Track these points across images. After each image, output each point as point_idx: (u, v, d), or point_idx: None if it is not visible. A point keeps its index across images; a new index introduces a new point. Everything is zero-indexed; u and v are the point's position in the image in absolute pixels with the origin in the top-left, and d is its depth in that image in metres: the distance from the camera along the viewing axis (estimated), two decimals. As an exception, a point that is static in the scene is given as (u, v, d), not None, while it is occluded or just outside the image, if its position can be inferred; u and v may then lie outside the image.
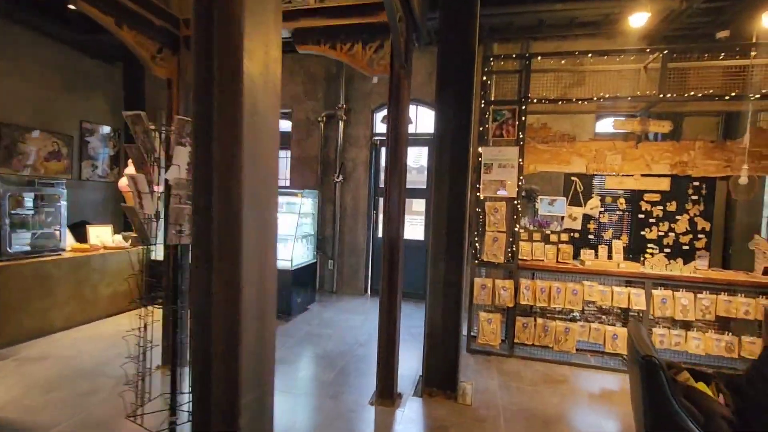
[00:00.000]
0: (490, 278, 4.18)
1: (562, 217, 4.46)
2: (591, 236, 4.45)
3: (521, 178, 4.09)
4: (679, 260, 3.91)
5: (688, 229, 4.20)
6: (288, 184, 7.01)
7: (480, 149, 4.17)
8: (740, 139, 4.07)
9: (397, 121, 3.03)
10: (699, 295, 3.70)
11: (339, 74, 6.55)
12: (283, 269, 4.86)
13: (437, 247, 3.25)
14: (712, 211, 4.16)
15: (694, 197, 4.18)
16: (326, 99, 6.67)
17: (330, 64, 6.58)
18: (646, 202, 4.29)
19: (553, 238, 4.29)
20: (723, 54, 3.80)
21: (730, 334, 3.68)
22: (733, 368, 3.63)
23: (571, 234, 4.29)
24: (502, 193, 4.12)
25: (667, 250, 4.23)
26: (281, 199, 5.29)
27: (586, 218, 4.46)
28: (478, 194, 4.18)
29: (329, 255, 6.66)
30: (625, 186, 4.31)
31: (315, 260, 5.62)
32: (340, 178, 6.53)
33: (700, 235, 4.18)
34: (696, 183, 4.18)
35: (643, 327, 2.13)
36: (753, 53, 3.68)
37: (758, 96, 3.61)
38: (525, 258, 4.25)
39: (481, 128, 4.17)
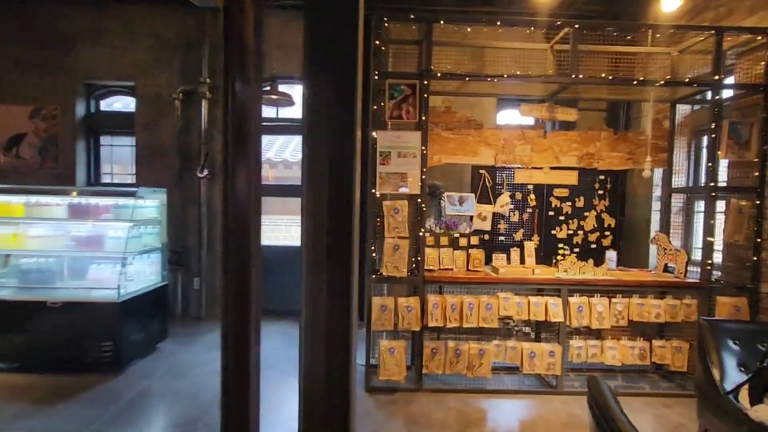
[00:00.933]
0: (392, 297, 3.34)
1: (471, 217, 3.83)
2: (502, 238, 3.91)
3: (424, 170, 3.32)
4: (590, 261, 3.55)
5: (596, 226, 3.91)
6: (134, 180, 5.33)
7: (374, 134, 3.28)
8: (641, 130, 3.89)
9: (242, 93, 1.96)
10: (613, 300, 3.36)
11: (201, 40, 5.11)
12: (102, 301, 3.38)
13: (316, 253, 2.27)
14: (617, 206, 3.93)
15: (600, 192, 3.90)
16: (184, 71, 5.16)
17: (188, 26, 5.10)
18: (556, 197, 3.89)
19: (462, 242, 3.63)
20: (628, 37, 3.52)
21: (642, 338, 3.41)
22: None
23: (482, 236, 3.68)
24: (403, 189, 3.30)
25: (576, 250, 3.89)
26: (103, 202, 3.74)
27: (497, 218, 3.91)
28: (374, 191, 3.29)
29: (194, 272, 5.20)
30: (535, 180, 3.86)
31: (165, 282, 4.18)
32: (206, 173, 5.10)
33: (606, 233, 3.92)
34: (602, 176, 3.90)
35: (607, 388, 1.43)
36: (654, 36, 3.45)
37: (658, 84, 3.37)
38: (431, 267, 3.50)
39: (375, 107, 3.29)
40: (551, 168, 3.84)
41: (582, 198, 3.88)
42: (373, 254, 3.34)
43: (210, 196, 5.19)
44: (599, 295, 3.37)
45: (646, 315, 3.32)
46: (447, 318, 3.25)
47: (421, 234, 3.34)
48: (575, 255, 3.72)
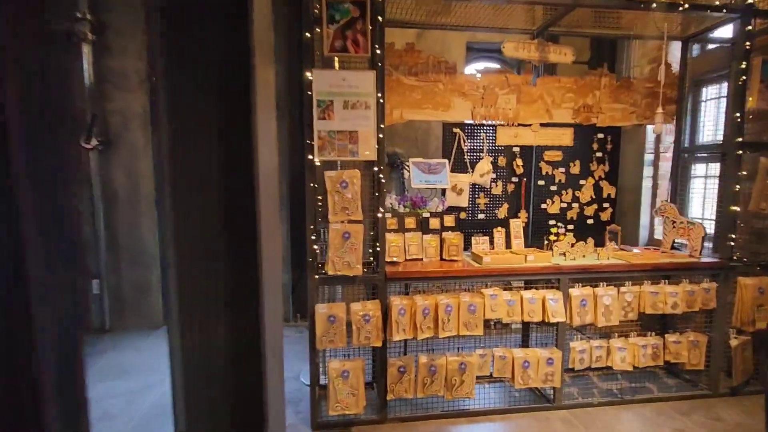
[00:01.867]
0: (342, 303, 2.45)
1: (444, 191, 2.98)
2: (482, 216, 3.09)
3: (382, 126, 2.38)
4: (590, 241, 2.83)
5: (593, 196, 3.18)
6: (-4, 155, 3.96)
7: (308, 74, 2.28)
8: (646, 76, 3.14)
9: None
10: (622, 289, 2.67)
11: (74, -41, 3.72)
12: None
13: (203, 240, 1.31)
14: (617, 172, 3.22)
15: (599, 154, 3.16)
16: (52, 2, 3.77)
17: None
18: (547, 162, 3.11)
19: (434, 223, 2.77)
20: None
21: (654, 334, 2.78)
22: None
23: (457, 214, 2.85)
24: (353, 155, 2.36)
25: (570, 227, 3.17)
26: None
27: (475, 190, 3.08)
28: (311, 158, 2.32)
29: (91, 272, 4.02)
30: (522, 140, 3.04)
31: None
32: (96, 142, 3.86)
33: (605, 204, 3.22)
34: (601, 135, 3.15)
35: None
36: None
37: (682, 8, 2.59)
38: (395, 259, 2.64)
39: (308, 34, 2.27)
40: (541, 125, 3.03)
41: (578, 162, 3.13)
42: (315, 247, 2.40)
43: (103, 172, 3.96)
44: (605, 283, 2.67)
45: (661, 306, 2.68)
46: (418, 327, 2.42)
47: (380, 215, 2.43)
48: (571, 234, 2.99)
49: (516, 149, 3.05)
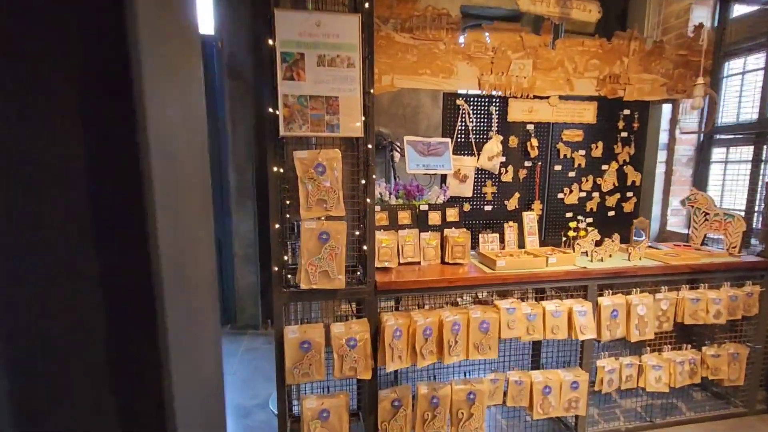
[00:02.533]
0: (320, 324, 1.88)
1: (444, 178, 2.43)
2: (489, 207, 2.57)
3: (371, 92, 1.79)
4: (615, 237, 2.36)
5: (616, 184, 2.71)
6: None
7: (269, 15, 1.65)
8: (675, 42, 2.65)
9: None
10: (657, 296, 2.23)
11: None
12: None
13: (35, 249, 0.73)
14: (643, 155, 2.75)
15: (624, 134, 2.68)
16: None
17: None
18: (565, 143, 2.60)
19: (433, 218, 2.23)
20: None
21: (690, 347, 2.37)
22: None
23: (460, 206, 2.31)
24: (331, 129, 1.77)
25: (590, 220, 2.69)
26: None
27: (481, 176, 2.54)
28: (274, 133, 1.72)
29: None
30: (538, 116, 2.52)
31: None
32: None
33: (629, 193, 2.76)
34: (627, 111, 2.67)
35: None
36: None
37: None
38: (386, 264, 2.09)
39: (267, -41, 1.63)
40: (560, 98, 2.51)
41: (600, 144, 2.63)
42: (285, 255, 1.82)
43: None
44: (638, 290, 2.22)
45: (702, 315, 2.25)
46: (418, 352, 1.89)
47: (369, 209, 1.87)
48: (593, 229, 2.51)
49: (530, 127, 2.53)
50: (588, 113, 2.57)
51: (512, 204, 2.57)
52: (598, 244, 2.36)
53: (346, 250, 1.82)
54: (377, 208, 2.15)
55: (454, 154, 2.42)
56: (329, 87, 1.73)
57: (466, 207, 2.51)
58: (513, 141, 2.52)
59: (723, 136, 3.15)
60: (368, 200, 1.85)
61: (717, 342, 2.41)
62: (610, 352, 2.27)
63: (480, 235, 2.35)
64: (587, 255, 2.40)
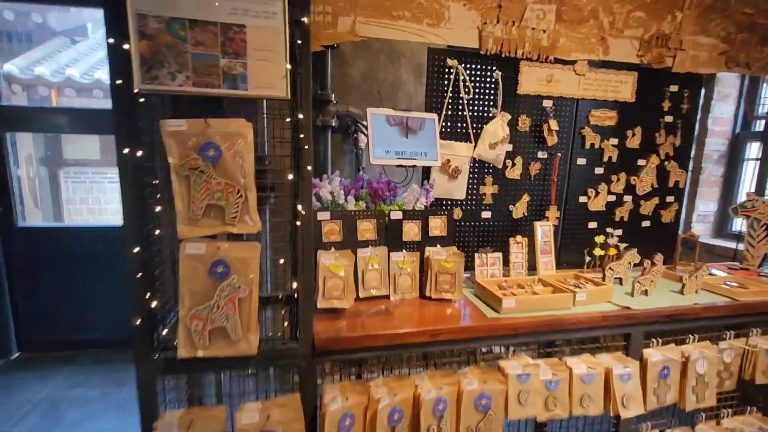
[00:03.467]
0: (220, 408, 1.15)
1: (428, 173, 1.71)
2: (488, 214, 1.86)
3: (304, 23, 1.04)
4: (658, 258, 1.70)
5: (655, 185, 2.04)
6: None
7: None
8: (755, -7, 1.98)
9: None
10: (721, 345, 1.58)
11: None
12: None
13: None
14: (691, 148, 2.09)
15: (669, 118, 2.00)
16: None
17: None
18: (593, 128, 1.91)
19: (410, 231, 1.52)
20: None
21: (757, 410, 1.74)
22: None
23: (448, 213, 1.59)
24: (232, 83, 1.01)
25: (619, 232, 2.03)
26: None
27: (479, 171, 1.83)
28: (122, 83, 0.95)
29: None
30: (559, 89, 1.81)
31: None
32: None
33: (669, 198, 2.10)
34: (674, 87, 1.99)
35: None
36: None
37: None
38: (335, 305, 1.36)
39: None
40: (590, 64, 1.81)
41: (638, 131, 1.95)
42: (155, 294, 1.07)
43: None
44: (695, 336, 1.57)
45: (780, 371, 1.62)
46: (378, 452, 1.19)
47: (297, 221, 1.13)
48: (626, 245, 1.84)
49: (548, 104, 1.82)
50: (625, 88, 1.88)
51: (520, 210, 1.87)
52: (635, 266, 1.70)
53: (260, 291, 1.09)
54: (325, 216, 1.42)
55: (442, 138, 1.70)
56: (228, 6, 0.98)
57: (458, 213, 1.80)
58: (524, 122, 1.81)
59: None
60: (300, 206, 1.11)
61: (787, 402, 1.79)
62: (653, 423, 1.62)
63: (476, 255, 1.65)
64: (620, 283, 1.74)
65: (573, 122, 1.87)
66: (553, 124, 1.79)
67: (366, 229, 1.49)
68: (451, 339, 1.31)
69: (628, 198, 2.01)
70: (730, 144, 3.04)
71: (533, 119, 1.81)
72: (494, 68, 1.72)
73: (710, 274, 1.87)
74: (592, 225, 1.99)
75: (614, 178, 1.96)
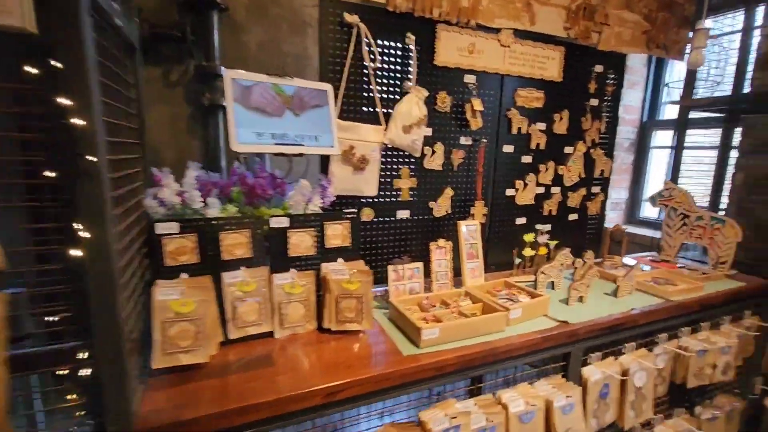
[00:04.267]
0: None
1: (327, 164, 1.31)
2: (404, 214, 1.52)
3: None
4: (589, 256, 1.52)
5: (582, 175, 1.88)
6: None
7: None
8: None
9: None
10: (655, 351, 1.44)
11: None
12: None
13: None
14: (615, 133, 1.96)
15: (594, 102, 1.84)
16: None
17: None
18: (520, 110, 1.66)
19: (299, 242, 1.11)
20: None
21: (685, 410, 1.66)
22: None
23: (354, 216, 1.22)
24: None
25: (548, 228, 1.83)
26: None
27: (391, 161, 1.48)
28: None
29: None
30: (482, 61, 1.52)
31: None
32: None
33: (594, 188, 1.96)
34: (599, 67, 1.82)
35: None
36: None
37: None
38: (183, 360, 0.91)
39: None
40: (516, 33, 1.55)
41: (565, 114, 1.76)
42: None
43: None
44: (633, 344, 1.40)
45: (708, 373, 1.53)
46: None
47: (74, 250, 0.66)
48: (556, 243, 1.65)
49: (471, 79, 1.52)
50: (552, 65, 1.66)
51: (442, 207, 1.57)
52: (576, 270, 1.49)
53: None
54: (170, 228, 0.96)
55: (342, 118, 1.31)
56: None
57: (368, 214, 1.43)
58: (443, 101, 1.49)
59: (697, 115, 2.52)
60: (78, 225, 0.65)
61: (708, 396, 1.75)
62: (591, 445, 1.44)
63: (390, 268, 1.30)
64: (552, 287, 1.52)
65: (499, 103, 1.60)
66: (477, 104, 1.50)
67: (236, 243, 1.06)
68: (356, 395, 0.94)
69: (556, 190, 1.82)
70: (639, 132, 3.10)
71: (454, 97, 1.51)
72: (404, 29, 1.37)
73: (626, 266, 1.75)
74: (521, 221, 1.76)
75: (542, 167, 1.75)
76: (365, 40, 1.32)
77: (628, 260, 1.92)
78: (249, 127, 1.02)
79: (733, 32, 2.34)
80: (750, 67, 2.07)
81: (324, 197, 1.23)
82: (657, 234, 2.05)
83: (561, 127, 1.75)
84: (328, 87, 1.18)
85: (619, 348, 1.39)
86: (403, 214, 1.51)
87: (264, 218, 1.10)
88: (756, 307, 1.74)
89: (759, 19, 2.08)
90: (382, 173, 1.45)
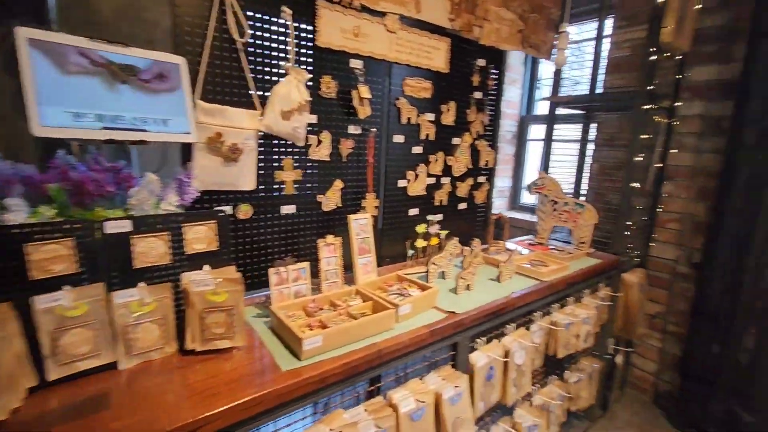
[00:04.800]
0: None
1: (188, 150, 1.10)
2: (290, 209, 1.38)
3: None
4: (476, 244, 1.59)
5: (470, 166, 1.95)
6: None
7: None
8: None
9: None
10: (531, 328, 1.56)
11: None
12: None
13: None
14: (498, 125, 2.06)
15: (478, 95, 1.91)
16: None
17: None
18: (410, 100, 1.63)
19: (149, 251, 0.91)
20: None
21: (557, 380, 1.84)
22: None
23: (231, 213, 1.06)
24: None
25: (439, 218, 1.87)
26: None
27: (273, 150, 1.32)
28: None
29: None
30: (368, 46, 1.44)
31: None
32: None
33: (480, 178, 2.05)
34: (482, 61, 1.89)
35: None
36: None
37: None
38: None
39: None
40: (402, 20, 1.50)
41: (452, 106, 1.78)
42: None
43: None
44: (514, 325, 1.49)
45: (574, 342, 1.72)
46: None
47: None
48: (447, 233, 1.68)
49: (357, 64, 1.43)
50: (439, 55, 1.65)
51: (332, 201, 1.47)
52: (466, 259, 1.53)
53: None
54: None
55: (208, 100, 1.12)
56: None
57: (246, 211, 1.26)
58: (328, 86, 1.38)
59: (563, 111, 2.80)
60: None
61: (574, 362, 1.98)
62: (479, 427, 1.51)
63: (270, 271, 1.16)
64: (443, 276, 1.55)
65: (387, 91, 1.54)
66: (364, 92, 1.42)
67: (53, 257, 0.82)
68: (226, 426, 0.80)
69: (446, 180, 1.85)
70: (519, 126, 3.39)
71: (340, 83, 1.40)
72: (281, 3, 1.22)
73: (509, 251, 1.88)
74: (414, 212, 1.76)
75: (432, 158, 1.76)
76: (231, 9, 1.14)
77: (510, 245, 2.06)
78: (61, 105, 0.78)
79: (589, 39, 2.65)
80: (602, 71, 2.36)
81: (184, 194, 1.03)
82: (535, 218, 2.25)
83: (448, 118, 1.77)
84: (180, 60, 0.98)
85: (501, 331, 1.46)
86: (288, 209, 1.37)
87: (94, 220, 0.87)
88: (607, 280, 2.01)
89: (609, 29, 2.38)
90: (262, 164, 1.29)
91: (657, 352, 2.34)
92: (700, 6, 1.93)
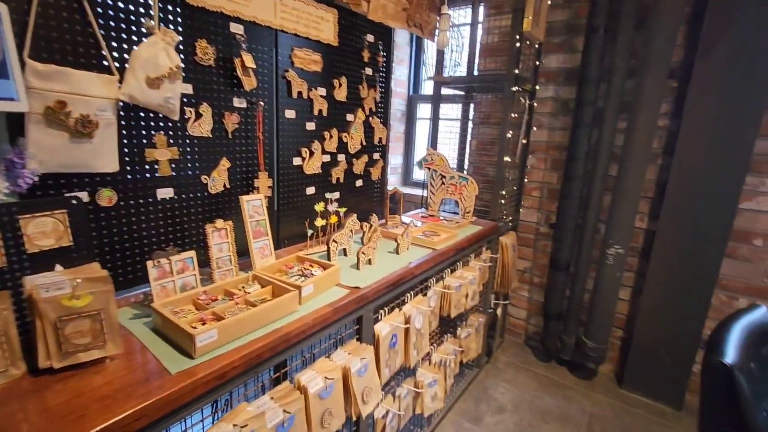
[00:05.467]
0: None
1: (18, 123, 0.87)
2: (169, 193, 1.21)
3: None
4: (374, 220, 1.63)
5: (364, 143, 1.96)
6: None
7: None
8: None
9: None
10: (428, 295, 1.68)
11: None
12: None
13: None
14: (389, 102, 2.10)
15: (369, 71, 1.90)
16: None
17: None
18: (300, 73, 1.55)
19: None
20: None
21: (450, 336, 2.03)
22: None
23: (78, 201, 0.88)
24: None
25: (336, 195, 1.85)
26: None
27: (140, 124, 1.13)
28: None
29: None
30: (251, 10, 1.31)
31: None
32: None
33: (375, 155, 2.08)
34: (371, 37, 1.88)
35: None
36: None
37: None
38: None
39: None
40: (286, -15, 1.39)
41: (344, 81, 1.75)
42: None
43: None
44: (411, 293, 1.59)
45: (464, 302, 1.91)
46: None
47: None
48: (345, 210, 1.68)
49: (238, 29, 1.30)
50: (327, 27, 1.59)
51: (219, 181, 1.33)
52: (365, 235, 1.54)
53: None
54: None
55: (42, 60, 0.89)
56: None
57: (109, 198, 1.06)
58: (205, 52, 1.22)
59: (447, 91, 2.97)
60: None
61: (464, 319, 2.21)
62: (385, 392, 1.59)
63: (148, 264, 1.01)
64: (345, 253, 1.56)
65: (274, 62, 1.44)
66: (248, 60, 1.30)
67: None
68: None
69: (342, 157, 1.83)
70: (407, 104, 3.53)
71: (220, 49, 1.25)
72: (136, -54, 1.02)
73: (405, 225, 1.99)
74: (311, 191, 1.71)
75: (327, 134, 1.72)
76: (65, -56, 0.91)
77: (405, 218, 2.17)
78: None
79: (466, 24, 2.85)
80: (477, 54, 2.58)
81: (17, 178, 0.82)
82: (425, 193, 2.40)
83: (341, 93, 1.74)
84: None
85: (402, 300, 1.54)
86: (165, 193, 1.20)
87: None
88: (488, 244, 2.27)
89: (482, 16, 2.58)
90: (126, 142, 1.09)
91: (526, 301, 2.76)
92: (550, 2, 2.22)
